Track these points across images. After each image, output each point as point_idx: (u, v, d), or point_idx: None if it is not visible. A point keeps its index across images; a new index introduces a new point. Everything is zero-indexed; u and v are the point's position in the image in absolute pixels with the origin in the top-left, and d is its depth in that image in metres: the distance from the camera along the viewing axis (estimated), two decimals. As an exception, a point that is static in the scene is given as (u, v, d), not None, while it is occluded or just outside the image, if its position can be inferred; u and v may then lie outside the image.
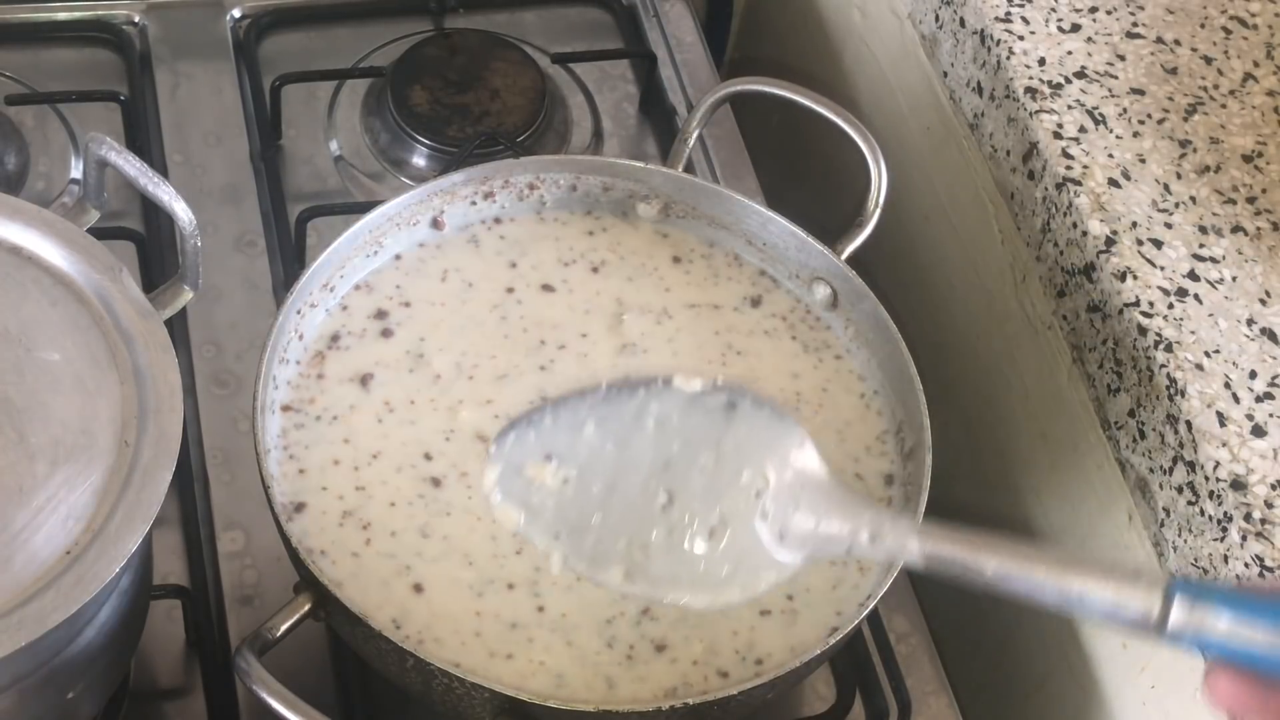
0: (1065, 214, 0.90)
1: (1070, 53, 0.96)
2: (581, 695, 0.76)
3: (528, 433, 0.80)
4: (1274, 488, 0.79)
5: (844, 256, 0.89)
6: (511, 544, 0.80)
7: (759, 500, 0.75)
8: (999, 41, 0.96)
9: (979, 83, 0.98)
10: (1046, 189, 0.92)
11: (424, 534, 0.80)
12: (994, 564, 0.67)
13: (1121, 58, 0.96)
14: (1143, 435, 0.85)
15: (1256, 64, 0.97)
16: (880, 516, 0.73)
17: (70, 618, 0.68)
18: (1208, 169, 0.92)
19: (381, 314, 0.88)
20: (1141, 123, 0.93)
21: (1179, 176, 0.91)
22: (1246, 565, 0.77)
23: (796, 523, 0.74)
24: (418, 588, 0.79)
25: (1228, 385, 0.83)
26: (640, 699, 0.77)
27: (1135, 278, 0.86)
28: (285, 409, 0.84)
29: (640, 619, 0.79)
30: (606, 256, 0.91)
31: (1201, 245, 0.88)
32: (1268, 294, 0.87)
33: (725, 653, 0.79)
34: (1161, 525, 0.84)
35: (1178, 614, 0.62)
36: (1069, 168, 0.90)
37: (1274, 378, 0.83)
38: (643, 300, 0.89)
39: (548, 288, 0.89)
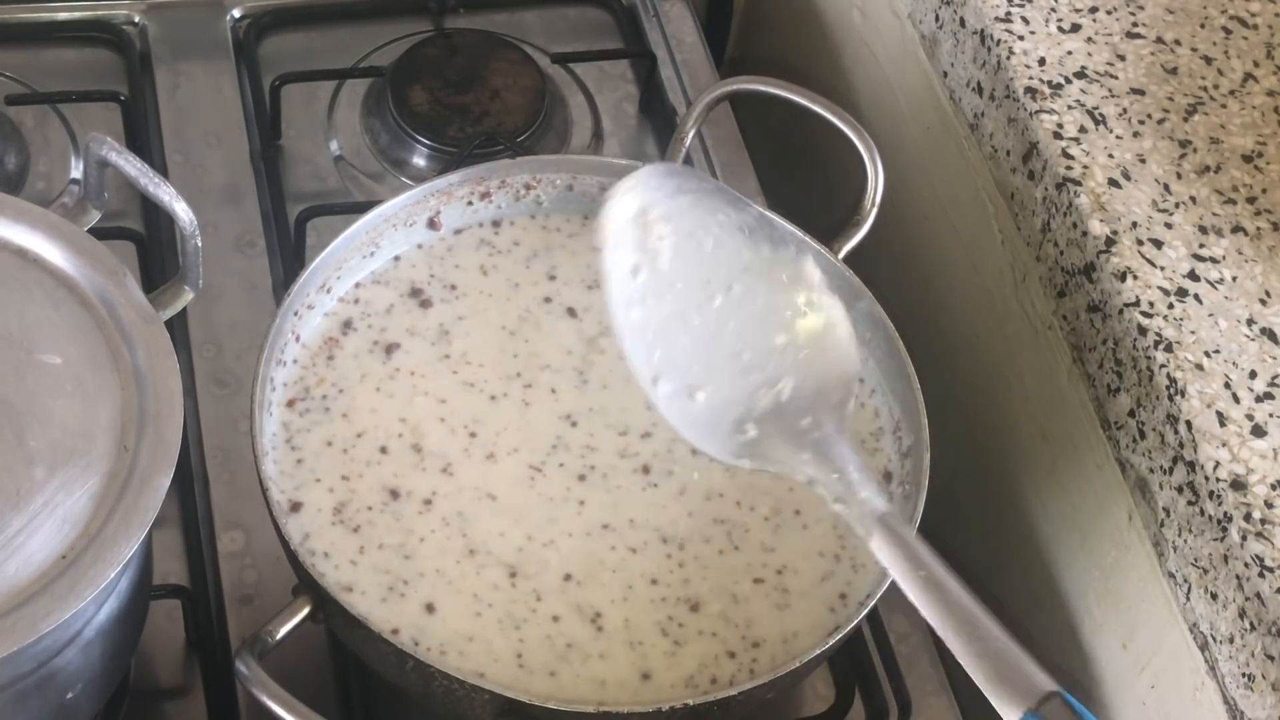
0: (1065, 214, 0.90)
1: (1070, 53, 0.96)
2: (613, 695, 0.77)
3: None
4: (1274, 488, 0.79)
5: (840, 255, 0.89)
6: (527, 590, 0.79)
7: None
8: (999, 41, 0.96)
9: (979, 83, 0.98)
10: (1046, 189, 0.92)
11: (406, 556, 0.80)
12: (922, 588, 0.69)
13: (1121, 58, 0.96)
14: (1143, 435, 0.85)
15: (1256, 64, 0.97)
16: (859, 481, 0.73)
17: (67, 620, 0.68)
18: (1208, 169, 0.92)
19: (417, 291, 0.88)
20: (1141, 123, 0.93)
21: (1179, 176, 0.91)
22: (1246, 565, 0.77)
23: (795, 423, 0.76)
24: (430, 608, 0.78)
25: (1228, 385, 0.83)
26: (665, 691, 0.77)
27: (1135, 278, 0.86)
28: (290, 403, 0.84)
29: (685, 582, 0.80)
30: None
31: (1201, 245, 0.88)
32: (1268, 294, 0.87)
33: (729, 622, 0.79)
34: (1161, 525, 0.84)
35: None
36: (1069, 168, 0.90)
37: (1274, 378, 0.83)
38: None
39: (571, 312, 0.89)
